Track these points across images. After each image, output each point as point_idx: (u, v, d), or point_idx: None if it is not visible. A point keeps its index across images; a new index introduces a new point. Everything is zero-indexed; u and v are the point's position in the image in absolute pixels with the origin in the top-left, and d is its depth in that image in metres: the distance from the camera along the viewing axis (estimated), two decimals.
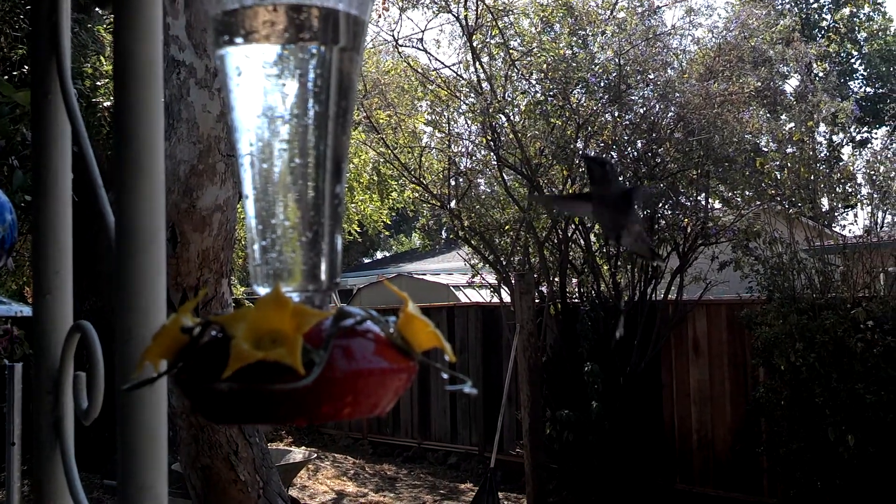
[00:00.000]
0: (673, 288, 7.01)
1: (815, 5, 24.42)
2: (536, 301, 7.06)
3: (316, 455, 8.21)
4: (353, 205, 8.46)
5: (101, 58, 5.21)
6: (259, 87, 0.59)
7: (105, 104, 4.83)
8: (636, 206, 1.00)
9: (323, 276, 0.60)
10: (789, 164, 6.63)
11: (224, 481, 3.83)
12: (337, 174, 0.61)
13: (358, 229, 9.01)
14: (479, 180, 7.71)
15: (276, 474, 4.16)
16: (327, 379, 0.54)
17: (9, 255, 1.33)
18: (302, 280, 0.60)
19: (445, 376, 0.61)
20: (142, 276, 0.90)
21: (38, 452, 1.08)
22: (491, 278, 7.70)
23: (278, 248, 0.59)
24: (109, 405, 0.99)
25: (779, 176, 6.74)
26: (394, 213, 9.59)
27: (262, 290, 0.60)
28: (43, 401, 1.09)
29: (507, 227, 7.35)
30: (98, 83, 4.82)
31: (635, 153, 7.16)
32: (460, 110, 7.76)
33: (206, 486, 3.86)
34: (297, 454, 7.49)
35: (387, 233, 11.74)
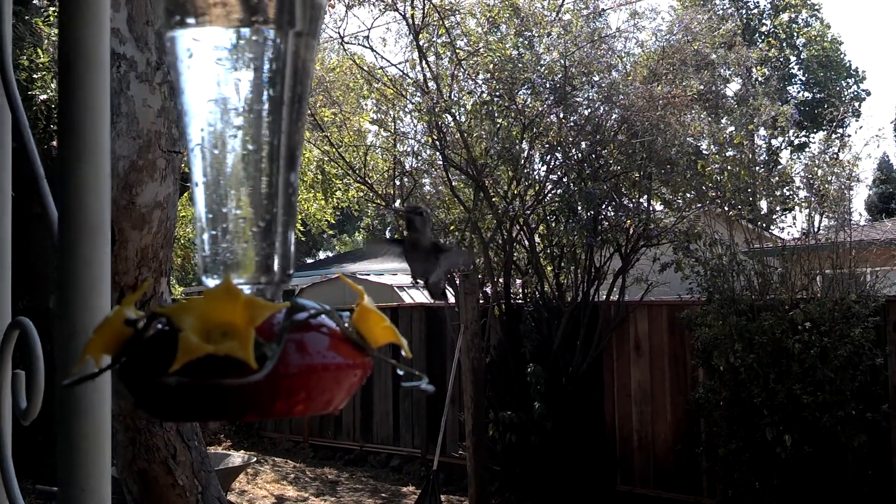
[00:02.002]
0: (615, 289, 7.08)
1: (756, 11, 24.98)
2: (481, 302, 7.06)
3: (255, 459, 8.11)
4: None
5: (39, 50, 5.06)
6: (211, 72, 0.57)
7: (42, 97, 4.70)
8: (446, 261, 1.10)
9: (276, 268, 0.58)
10: (730, 167, 6.75)
11: (162, 486, 3.75)
12: (291, 163, 0.59)
13: (301, 228, 8.92)
14: (424, 180, 7.70)
15: (216, 478, 4.09)
16: (280, 374, 0.52)
17: None
18: (254, 271, 0.58)
19: (401, 373, 0.60)
20: (86, 270, 0.87)
21: None
22: None
23: (229, 238, 0.57)
24: (45, 406, 0.96)
25: (719, 179, 6.86)
26: (338, 213, 9.52)
27: (211, 282, 0.58)
28: None
29: (452, 228, 7.35)
30: (35, 76, 4.69)
31: (580, 154, 7.22)
32: (406, 109, 7.73)
33: (143, 490, 3.77)
34: (237, 458, 7.39)
35: (330, 232, 11.67)
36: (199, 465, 4.00)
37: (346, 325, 0.57)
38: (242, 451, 8.51)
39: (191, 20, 0.56)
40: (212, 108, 0.57)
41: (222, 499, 4.17)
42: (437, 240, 1.03)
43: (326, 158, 7.94)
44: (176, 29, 0.57)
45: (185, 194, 7.86)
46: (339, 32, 7.73)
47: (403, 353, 0.57)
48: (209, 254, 0.58)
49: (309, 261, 16.53)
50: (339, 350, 0.55)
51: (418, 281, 0.98)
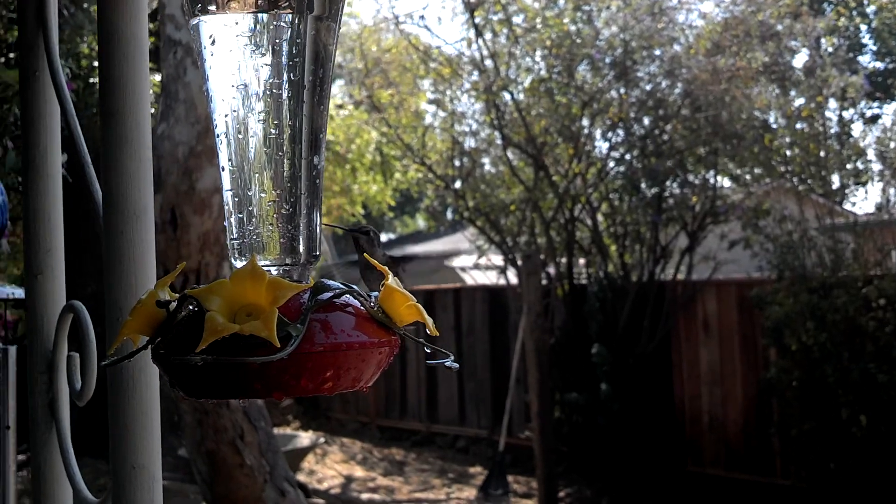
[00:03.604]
0: (682, 268, 6.97)
1: None
2: (543, 282, 7.03)
3: (324, 439, 8.24)
4: (356, 186, 8.43)
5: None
6: (233, 57, 0.58)
7: None
8: (398, 271, 1.09)
9: (301, 250, 0.59)
10: (799, 141, 6.57)
11: (230, 466, 3.84)
12: (314, 146, 0.59)
13: (361, 211, 8.98)
14: (483, 160, 7.67)
15: (283, 459, 4.17)
16: (305, 353, 0.53)
17: (1, 235, 1.32)
18: (279, 253, 0.59)
19: (428, 351, 0.60)
20: (130, 254, 0.89)
21: (34, 434, 1.08)
22: (497, 260, 7.68)
23: (255, 221, 0.58)
24: None
25: (788, 153, 6.68)
26: (398, 195, 9.55)
27: (240, 264, 0.59)
28: (37, 382, 1.08)
29: (512, 208, 7.32)
30: (95, 63, 4.81)
31: (642, 130, 7.11)
32: (463, 88, 7.70)
33: (211, 470, 3.88)
34: (305, 439, 7.52)
35: (391, 214, 11.72)
36: (266, 446, 4.09)
37: (372, 304, 0.58)
38: (311, 432, 8.65)
39: (212, 7, 0.57)
40: (235, 93, 0.58)
41: (290, 479, 4.26)
42: (388, 257, 1.03)
43: (385, 140, 7.97)
44: (199, 16, 0.58)
45: None
46: (393, 12, 7.74)
47: (428, 331, 0.58)
48: (237, 236, 0.59)
49: None
50: (364, 329, 0.56)
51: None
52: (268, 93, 0.58)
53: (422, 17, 9.40)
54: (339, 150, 8.19)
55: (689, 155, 6.83)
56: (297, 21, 0.57)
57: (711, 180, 6.98)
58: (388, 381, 9.07)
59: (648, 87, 6.92)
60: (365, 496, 6.81)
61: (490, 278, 8.23)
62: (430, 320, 0.58)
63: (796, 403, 5.64)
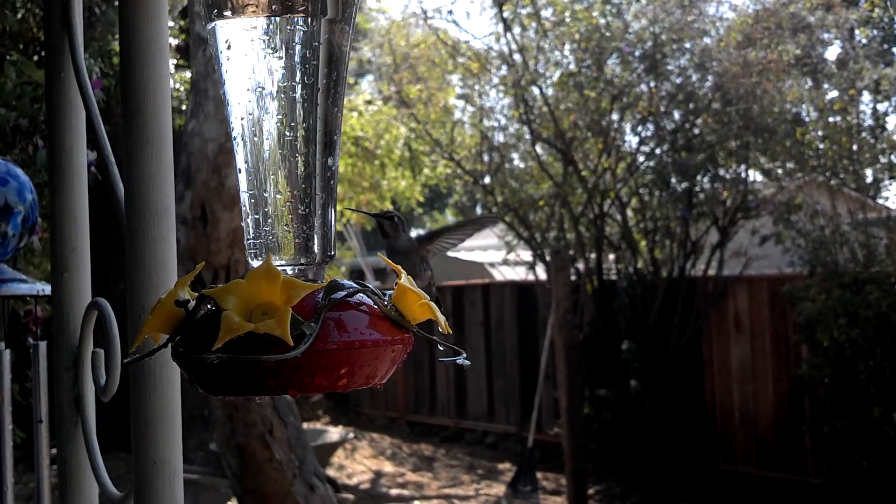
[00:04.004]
0: (713, 263, 6.91)
1: None
2: (572, 278, 7.01)
3: (353, 435, 8.28)
4: (385, 181, 8.45)
5: None
6: (248, 61, 0.59)
7: None
8: (424, 254, 1.10)
9: (316, 250, 0.59)
10: (831, 135, 6.48)
11: (259, 460, 3.88)
12: (329, 147, 0.60)
13: (391, 206, 9.00)
14: (512, 155, 7.65)
15: (312, 454, 4.20)
16: (319, 351, 0.53)
17: (31, 233, 1.34)
18: (294, 253, 0.59)
19: (441, 348, 0.61)
20: (152, 252, 0.90)
21: (60, 428, 1.10)
22: (526, 255, 7.67)
23: (270, 222, 0.59)
24: None
25: (821, 146, 6.59)
26: (427, 190, 9.55)
27: (256, 264, 0.60)
28: (63, 377, 1.10)
29: (541, 203, 7.29)
30: None
31: (672, 124, 7.05)
32: (491, 83, 7.69)
33: (241, 465, 3.91)
34: (334, 434, 7.57)
35: (420, 210, 11.73)
36: (295, 441, 4.13)
37: (385, 302, 0.58)
38: (340, 427, 8.71)
39: (228, 12, 0.58)
40: (250, 96, 0.59)
41: (319, 473, 4.29)
42: (414, 241, 1.02)
43: (413, 136, 7.98)
44: (216, 20, 0.59)
45: None
46: (422, 7, 7.74)
47: (440, 329, 0.58)
48: (253, 237, 0.60)
49: None
50: (377, 327, 0.57)
51: None
52: (282, 95, 0.58)
53: (450, 12, 9.40)
54: (369, 146, 8.21)
55: (721, 149, 6.77)
56: (310, 24, 0.58)
57: (743, 175, 6.91)
58: (417, 376, 9.10)
59: (679, 81, 6.86)
60: (394, 491, 6.84)
61: (519, 274, 8.22)
62: (442, 318, 0.58)
63: (828, 401, 5.58)
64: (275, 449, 4.00)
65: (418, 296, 0.58)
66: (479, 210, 9.31)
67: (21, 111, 1.61)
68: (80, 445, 1.08)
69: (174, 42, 4.27)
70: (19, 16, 2.46)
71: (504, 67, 7.37)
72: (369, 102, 8.42)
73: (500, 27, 7.20)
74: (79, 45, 1.09)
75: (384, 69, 8.13)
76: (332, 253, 0.61)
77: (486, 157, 7.51)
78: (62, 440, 1.09)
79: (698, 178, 6.90)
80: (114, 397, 1.03)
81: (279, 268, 0.58)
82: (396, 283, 0.58)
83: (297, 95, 0.58)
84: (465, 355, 0.59)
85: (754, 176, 7.07)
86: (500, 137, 7.69)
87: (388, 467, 7.60)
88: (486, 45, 7.67)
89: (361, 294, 0.57)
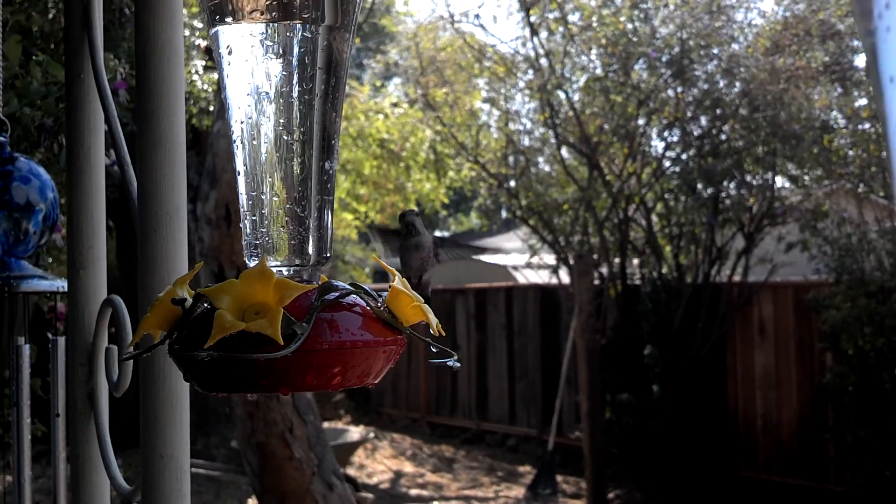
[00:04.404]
0: (738, 269, 6.87)
1: None
2: (596, 283, 6.99)
3: (374, 435, 8.31)
4: (409, 183, 8.48)
5: None
6: (248, 66, 0.60)
7: None
8: (437, 253, 1.11)
9: (311, 251, 0.61)
10: (859, 142, 6.42)
11: (279, 459, 3.91)
12: (326, 151, 0.61)
13: (415, 208, 9.03)
14: (538, 158, 7.65)
15: (331, 453, 4.23)
16: (310, 350, 0.55)
17: (52, 231, 1.37)
18: (289, 254, 0.61)
19: (435, 350, 0.62)
20: (163, 252, 0.92)
21: (74, 423, 1.12)
22: (550, 259, 7.66)
23: (267, 223, 0.60)
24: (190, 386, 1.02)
25: (849, 154, 6.53)
26: (452, 193, 9.57)
27: (253, 264, 0.61)
28: (77, 373, 1.12)
29: (565, 207, 7.28)
30: None
31: (699, 130, 7.02)
32: (517, 87, 7.69)
33: (261, 462, 3.95)
34: (355, 433, 7.60)
35: (444, 212, 11.74)
36: (314, 440, 4.15)
37: (378, 304, 0.59)
38: (361, 427, 8.74)
39: (229, 18, 0.59)
40: (250, 101, 0.60)
41: (338, 472, 4.31)
42: (435, 238, 1.04)
43: (439, 138, 8.00)
44: (217, 26, 0.60)
45: None
46: (449, 11, 7.76)
47: (432, 331, 0.59)
48: (250, 238, 0.61)
49: None
50: (369, 328, 0.58)
51: (410, 278, 0.99)
52: (281, 100, 0.60)
53: (477, 16, 9.40)
54: (394, 148, 8.24)
55: (747, 155, 6.73)
56: (310, 31, 0.59)
57: (769, 181, 6.85)
58: (439, 378, 9.11)
59: (706, 87, 6.82)
60: (413, 492, 6.86)
61: (542, 277, 8.20)
62: (434, 320, 0.59)
63: (852, 409, 5.53)
64: (294, 447, 4.03)
65: (411, 298, 0.59)
66: (503, 214, 9.31)
67: (46, 110, 1.65)
68: (92, 440, 1.10)
69: (203, 44, 4.32)
70: (50, 16, 2.50)
71: (530, 71, 7.37)
72: (395, 105, 8.45)
73: (527, 31, 7.20)
74: (98, 47, 1.12)
75: (411, 72, 8.16)
76: (328, 255, 0.62)
77: (511, 161, 7.50)
78: (76, 434, 1.11)
79: (724, 184, 6.86)
80: (136, 394, 1.05)
81: (274, 269, 0.60)
82: (390, 286, 0.60)
83: (296, 100, 0.60)
84: (456, 357, 0.60)
85: (781, 182, 7.01)
86: (525, 141, 7.69)
87: (408, 468, 7.62)
88: (513, 49, 7.66)
89: (354, 295, 0.58)
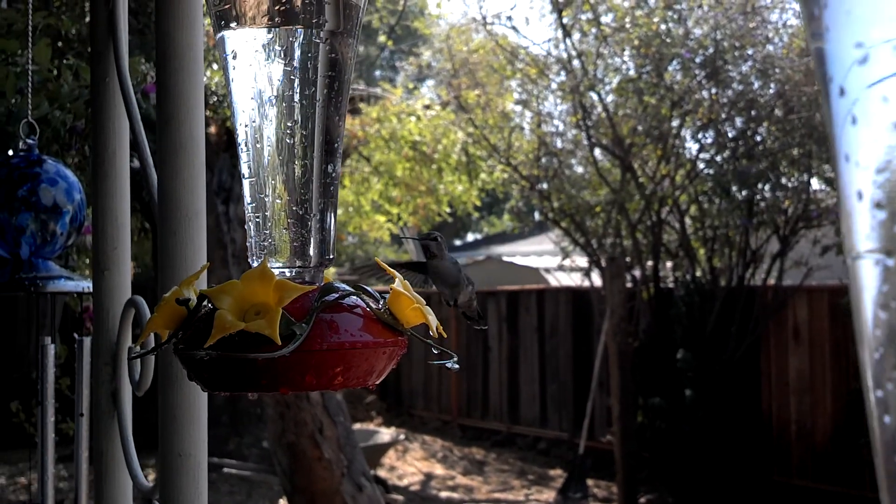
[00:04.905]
0: (773, 273, 6.79)
1: None
2: (629, 285, 6.95)
3: (404, 436, 8.33)
4: (441, 186, 8.50)
5: None
6: (251, 70, 0.61)
7: None
8: (463, 276, 1.12)
9: (312, 253, 0.62)
10: None
11: (309, 459, 3.93)
12: (329, 154, 0.62)
13: (447, 210, 9.03)
14: (571, 160, 7.61)
15: (361, 454, 4.25)
16: (309, 351, 0.55)
17: (79, 232, 1.40)
18: (291, 256, 0.62)
19: (436, 351, 0.62)
20: (182, 253, 0.93)
21: (98, 421, 1.14)
22: (582, 261, 7.63)
23: (270, 225, 0.61)
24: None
25: None
26: (484, 195, 9.57)
27: (256, 265, 0.63)
28: (101, 372, 1.14)
29: (598, 209, 7.25)
30: None
31: (733, 131, 6.95)
32: (550, 88, 7.67)
33: (292, 463, 3.98)
34: (385, 435, 7.62)
35: (476, 214, 11.73)
36: (344, 440, 4.18)
37: (379, 305, 0.60)
38: (392, 429, 8.77)
39: (234, 23, 0.61)
40: (254, 104, 0.61)
41: (367, 473, 4.33)
42: (455, 259, 1.05)
43: (470, 140, 8.00)
44: (223, 30, 0.61)
45: None
46: (481, 13, 7.76)
47: (431, 332, 0.60)
48: (254, 239, 0.62)
49: (457, 243, 16.74)
50: (369, 329, 0.58)
51: (449, 303, 1.02)
52: (284, 103, 0.61)
53: (509, 18, 9.40)
54: (426, 150, 8.27)
55: (783, 157, 6.65)
56: (313, 35, 0.60)
57: (805, 183, 6.77)
58: (470, 380, 9.11)
59: (740, 88, 6.76)
60: (444, 494, 6.86)
61: (574, 280, 8.17)
62: (433, 322, 0.60)
63: None
64: (324, 448, 4.05)
65: (411, 300, 0.60)
66: (536, 216, 9.28)
67: (76, 113, 1.68)
68: (115, 438, 1.12)
69: None
70: (88, 19, 2.54)
71: (563, 73, 7.35)
72: (428, 107, 8.47)
73: (560, 33, 7.18)
74: (123, 51, 1.14)
75: (443, 74, 8.17)
76: (331, 256, 0.63)
77: (543, 163, 7.48)
78: (99, 433, 1.13)
79: (759, 186, 6.79)
80: None
81: (277, 270, 0.61)
82: (391, 287, 0.60)
83: (299, 104, 0.61)
84: (455, 359, 0.61)
85: (817, 185, 6.92)
86: (557, 143, 7.66)
87: (438, 470, 7.63)
88: (545, 50, 7.64)
89: (355, 297, 0.59)
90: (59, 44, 1.91)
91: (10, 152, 1.49)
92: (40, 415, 1.40)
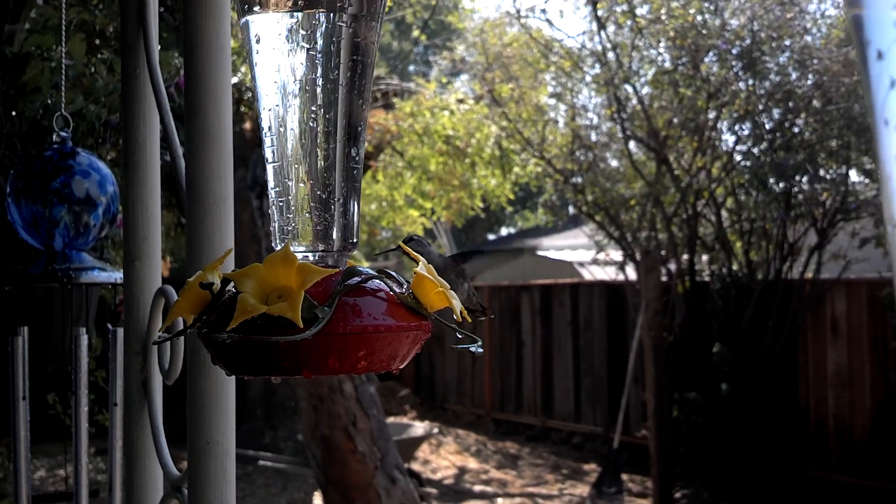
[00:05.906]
0: (810, 265, 6.69)
1: None
2: (664, 279, 6.89)
3: (438, 430, 8.34)
4: (475, 180, 8.48)
5: None
6: (275, 55, 0.61)
7: (232, 81, 4.99)
8: (461, 270, 1.09)
9: (335, 237, 0.61)
10: None
11: (343, 452, 3.95)
12: (352, 138, 0.62)
13: (480, 205, 9.01)
14: (605, 154, 7.56)
15: (394, 447, 4.26)
16: (331, 334, 0.55)
17: (112, 224, 1.41)
18: (314, 240, 0.61)
19: (459, 336, 0.62)
20: (210, 240, 0.94)
21: (129, 410, 1.15)
22: (616, 255, 7.57)
23: (293, 209, 0.61)
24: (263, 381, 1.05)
25: None
26: (517, 189, 9.53)
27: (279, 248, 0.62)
28: (132, 362, 1.15)
29: (633, 202, 7.19)
30: None
31: (771, 123, 6.85)
32: (584, 81, 7.62)
33: (325, 455, 4.00)
34: (419, 428, 7.64)
35: (510, 208, 11.70)
36: (378, 434, 4.19)
37: (403, 289, 0.60)
38: (426, 422, 8.78)
39: (256, 7, 0.60)
40: (278, 89, 0.61)
41: (400, 466, 4.34)
42: (448, 258, 1.02)
43: (504, 134, 7.98)
44: (247, 15, 0.61)
45: (368, 172, 8.14)
46: (515, 7, 7.71)
47: (455, 317, 0.59)
48: (278, 223, 0.62)
49: (491, 237, 16.69)
50: (393, 313, 0.58)
51: None
52: (307, 88, 0.61)
53: (543, 11, 9.33)
54: (459, 145, 8.26)
55: (821, 149, 6.54)
56: (336, 19, 0.60)
57: (843, 175, 6.65)
58: (503, 375, 9.10)
59: (777, 79, 6.66)
60: (477, 488, 6.86)
61: (608, 274, 8.12)
62: (458, 306, 0.59)
63: None
64: (358, 441, 4.07)
65: (435, 284, 0.59)
66: (570, 209, 9.23)
67: (111, 108, 1.70)
68: (146, 427, 1.13)
69: None
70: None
71: (597, 65, 7.29)
72: (461, 101, 8.46)
73: (594, 25, 7.12)
74: (153, 44, 1.15)
75: (477, 68, 8.15)
76: (355, 240, 0.63)
77: (577, 156, 7.44)
78: (130, 421, 1.14)
79: (797, 178, 6.69)
80: None
81: (300, 254, 0.61)
82: (415, 272, 0.60)
83: (322, 88, 0.60)
84: (479, 343, 0.60)
85: (855, 176, 6.80)
86: (592, 136, 7.61)
87: (472, 464, 7.63)
88: (580, 43, 7.59)
89: (378, 280, 0.59)
90: (94, 39, 1.93)
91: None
92: (74, 405, 1.41)
